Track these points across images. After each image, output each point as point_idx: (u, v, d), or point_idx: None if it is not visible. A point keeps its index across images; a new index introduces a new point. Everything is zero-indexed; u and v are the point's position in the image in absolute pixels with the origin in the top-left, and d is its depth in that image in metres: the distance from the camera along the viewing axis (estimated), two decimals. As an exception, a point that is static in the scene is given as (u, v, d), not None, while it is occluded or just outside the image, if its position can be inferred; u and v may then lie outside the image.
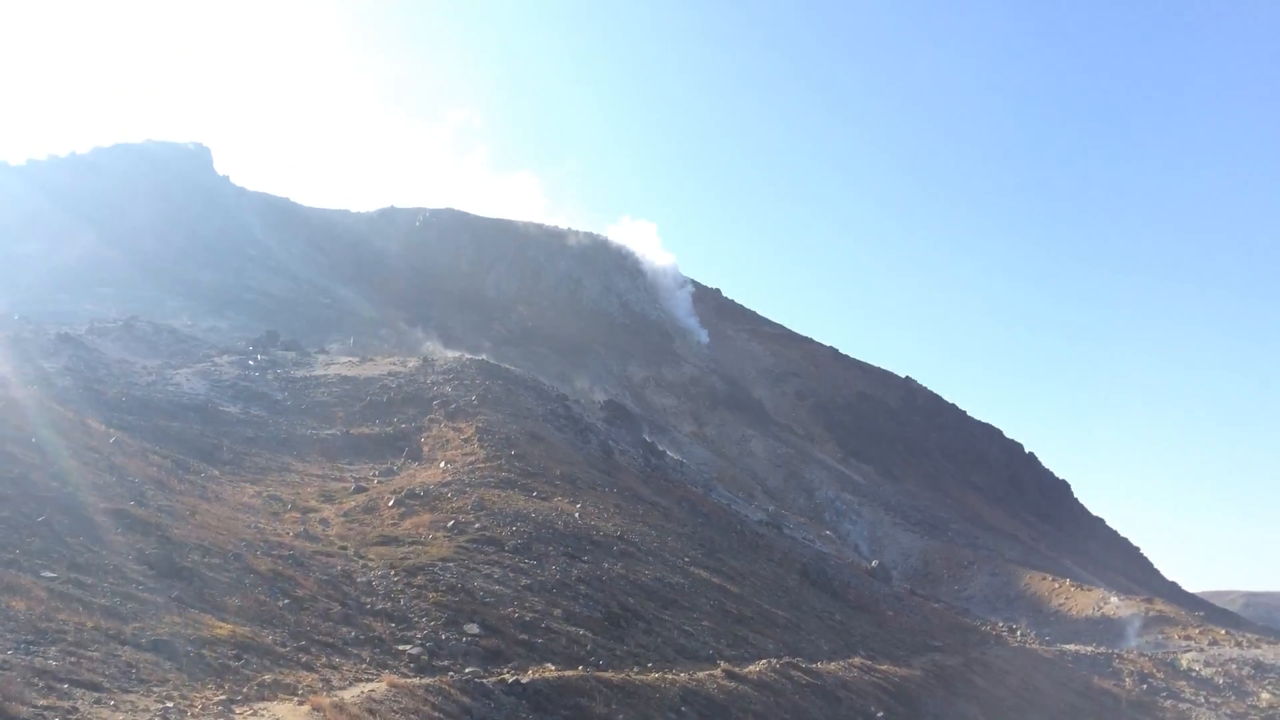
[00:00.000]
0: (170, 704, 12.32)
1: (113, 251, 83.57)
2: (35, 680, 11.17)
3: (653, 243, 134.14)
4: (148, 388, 41.28)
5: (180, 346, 53.92)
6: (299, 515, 28.98)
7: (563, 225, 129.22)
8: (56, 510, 20.18)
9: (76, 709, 10.62)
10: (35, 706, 10.09)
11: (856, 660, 31.92)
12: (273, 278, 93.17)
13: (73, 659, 12.68)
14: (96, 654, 13.30)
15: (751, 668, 26.20)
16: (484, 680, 18.79)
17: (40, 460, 23.41)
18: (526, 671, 20.59)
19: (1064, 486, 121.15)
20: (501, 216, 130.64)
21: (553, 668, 21.41)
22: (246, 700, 13.89)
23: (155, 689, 12.95)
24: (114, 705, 11.38)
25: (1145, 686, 44.89)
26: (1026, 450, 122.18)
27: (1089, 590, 67.69)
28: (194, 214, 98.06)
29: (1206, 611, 73.74)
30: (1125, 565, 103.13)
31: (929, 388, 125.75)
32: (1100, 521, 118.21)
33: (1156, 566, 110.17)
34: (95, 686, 11.92)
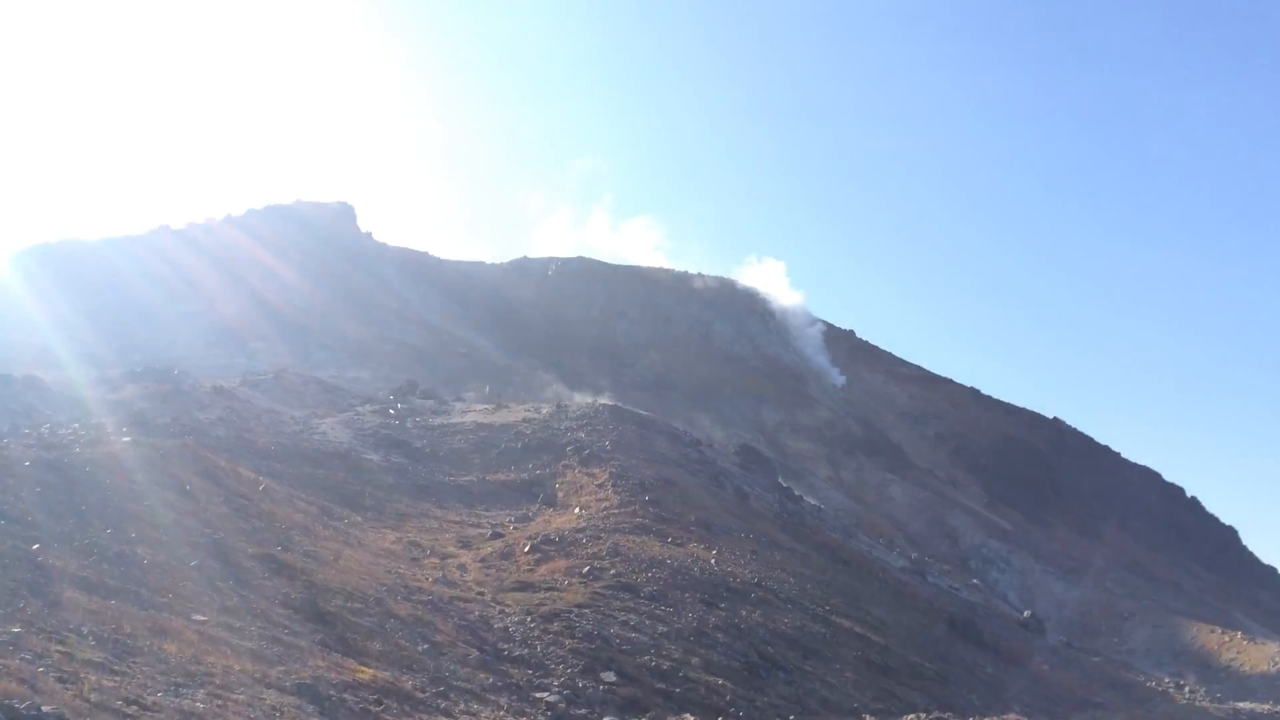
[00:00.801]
0: (312, 749, 12.33)
1: (264, 308, 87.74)
2: (183, 723, 11.33)
3: (781, 282, 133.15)
4: (295, 436, 42.72)
5: (326, 396, 55.86)
6: (438, 561, 29.28)
7: (690, 270, 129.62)
8: (208, 555, 20.82)
9: (221, 752, 10.70)
10: (182, 750, 10.20)
11: (1011, 717, 30.16)
12: (412, 329, 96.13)
13: (219, 702, 12.84)
14: (242, 697, 13.46)
15: (899, 722, 25.02)
16: (622, 730, 18.37)
17: (194, 507, 24.30)
18: (665, 722, 20.09)
19: (1231, 532, 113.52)
20: (631, 263, 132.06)
21: (691, 718, 20.83)
22: (386, 746, 13.83)
23: (298, 733, 13.00)
24: (257, 749, 11.43)
25: (1334, 750, 41.23)
26: (1189, 494, 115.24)
27: (1263, 644, 62.82)
28: (339, 270, 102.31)
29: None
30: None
31: (1079, 429, 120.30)
32: (1272, 570, 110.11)
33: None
34: (240, 730, 12.02)
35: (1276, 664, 58.44)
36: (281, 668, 15.75)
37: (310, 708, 14.52)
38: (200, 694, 12.95)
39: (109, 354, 64.91)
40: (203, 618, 16.83)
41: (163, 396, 45.45)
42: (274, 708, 13.70)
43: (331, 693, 15.55)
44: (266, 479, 31.68)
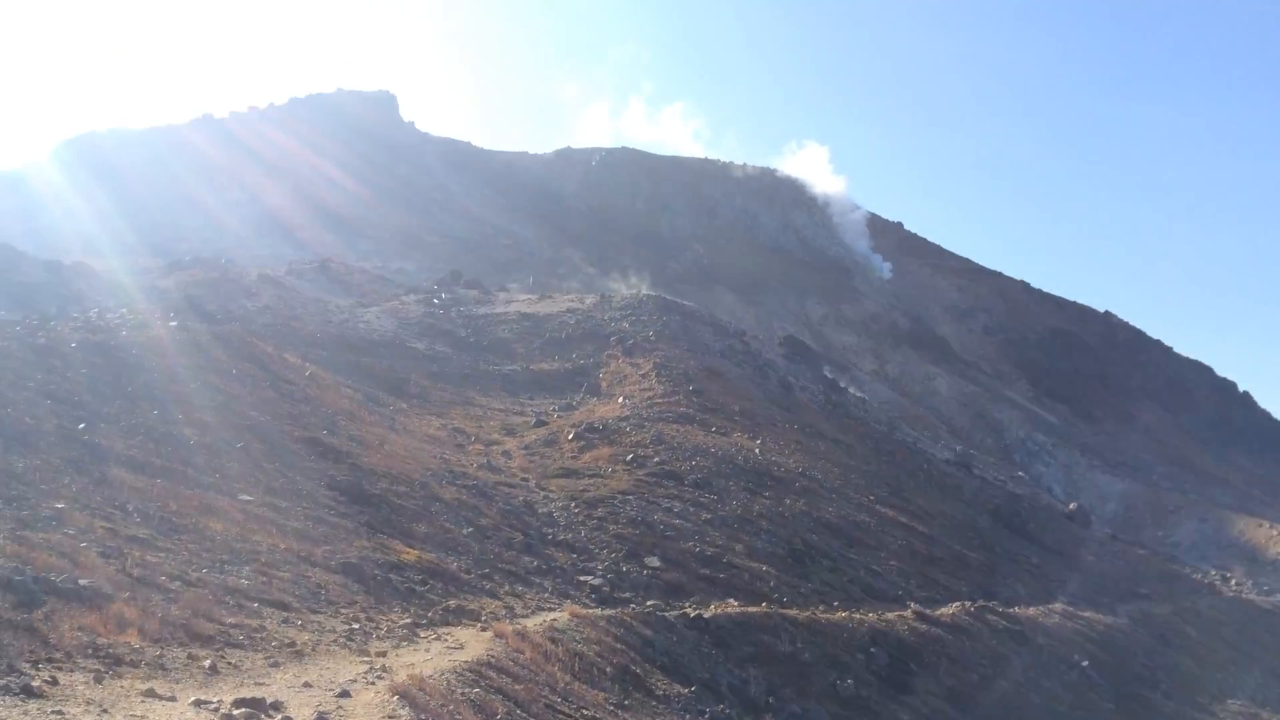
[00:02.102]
0: (356, 625, 12.32)
1: (308, 198, 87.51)
2: (226, 599, 11.29)
3: (824, 168, 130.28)
4: (341, 324, 42.79)
5: (371, 286, 55.83)
6: (482, 447, 29.34)
7: (730, 159, 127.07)
8: (255, 437, 20.89)
9: (264, 627, 10.64)
10: (223, 624, 10.14)
11: (1057, 606, 30.05)
12: (455, 220, 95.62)
13: (264, 579, 12.84)
14: (287, 575, 13.47)
15: (944, 610, 24.94)
16: (666, 614, 18.38)
17: (240, 391, 24.36)
18: (709, 606, 20.09)
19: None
20: (674, 154, 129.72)
21: (735, 604, 20.83)
22: (431, 624, 13.84)
23: (343, 610, 13.01)
24: (301, 625, 11.40)
25: (1383, 645, 40.81)
26: (1241, 389, 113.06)
27: (1314, 540, 62.15)
28: (381, 160, 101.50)
29: None
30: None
31: (1131, 323, 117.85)
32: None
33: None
34: (284, 606, 12.00)
35: (1326, 559, 57.85)
36: (327, 547, 15.80)
37: (355, 586, 14.56)
38: (245, 571, 12.96)
39: (156, 243, 65.23)
40: (249, 498, 16.88)
41: (210, 284, 45.60)
42: (319, 585, 13.72)
43: (377, 572, 15.60)
44: (312, 366, 31.75)
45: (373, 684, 8.99)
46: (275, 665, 9.32)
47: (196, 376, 23.84)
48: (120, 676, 7.50)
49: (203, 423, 20.27)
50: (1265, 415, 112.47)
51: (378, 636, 12.16)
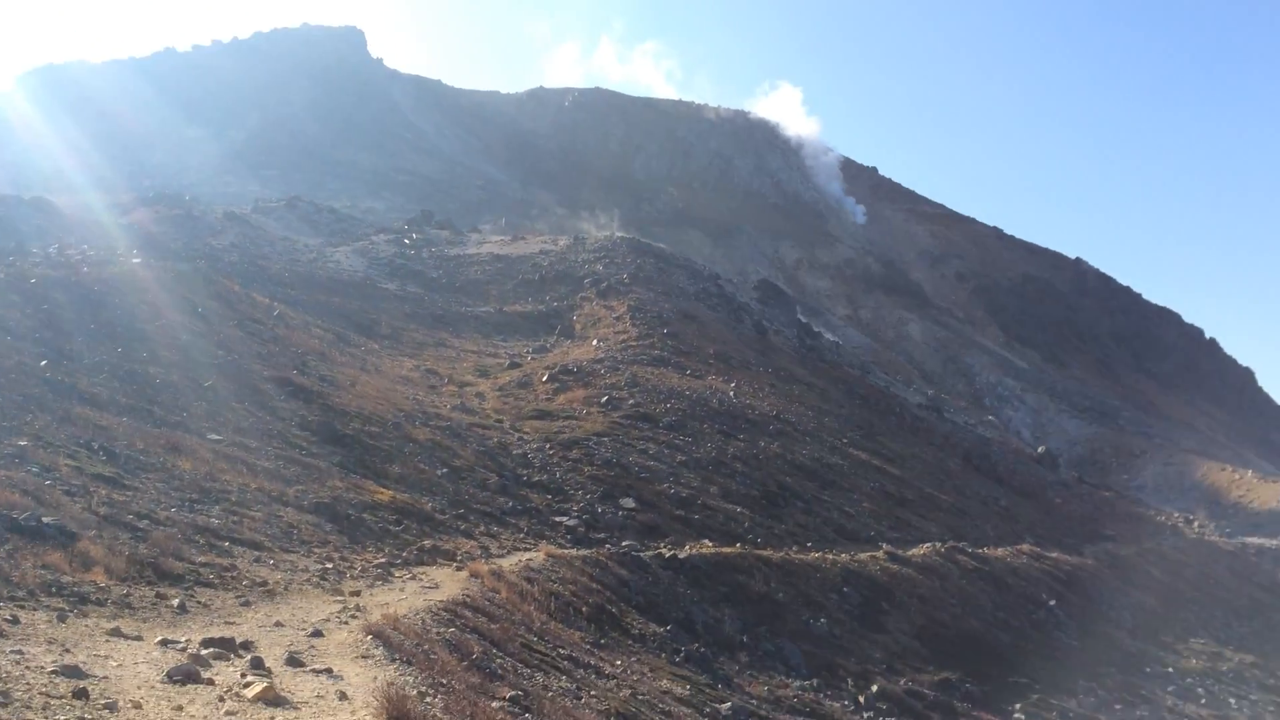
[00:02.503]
0: (330, 565, 12.11)
1: (274, 134, 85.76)
2: (196, 538, 11.04)
3: (797, 110, 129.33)
4: (309, 264, 42.12)
5: (339, 225, 54.96)
6: (455, 389, 29.06)
7: (703, 100, 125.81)
8: (223, 376, 20.49)
9: (235, 566, 10.41)
10: (193, 563, 9.88)
11: (1025, 547, 30.40)
12: (426, 159, 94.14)
13: (235, 518, 12.59)
14: (259, 514, 13.22)
15: (915, 551, 25.12)
16: (641, 554, 18.33)
17: (206, 330, 23.88)
18: (684, 547, 20.08)
19: (1248, 374, 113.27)
20: (648, 95, 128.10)
21: (710, 544, 20.84)
22: (406, 564, 13.67)
23: (316, 550, 12.80)
24: (273, 564, 11.17)
25: (1339, 585, 41.76)
26: (1207, 336, 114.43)
27: (1274, 482, 63.35)
28: (350, 97, 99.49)
29: None
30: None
31: (1101, 269, 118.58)
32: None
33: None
34: (256, 545, 11.77)
35: (1286, 502, 58.99)
36: (299, 487, 15.55)
37: (329, 525, 14.35)
38: (215, 510, 12.70)
39: (118, 178, 63.73)
40: (217, 437, 16.56)
41: (174, 221, 44.68)
42: (291, 525, 13.49)
43: (350, 512, 15.38)
44: (281, 305, 31.22)
45: (346, 624, 8.80)
46: (246, 604, 9.10)
47: (161, 315, 23.32)
48: (85, 615, 7.26)
49: (169, 361, 19.84)
50: (1230, 361, 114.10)
51: (351, 576, 11.97)
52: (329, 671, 6.88)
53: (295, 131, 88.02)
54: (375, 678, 6.76)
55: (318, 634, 8.19)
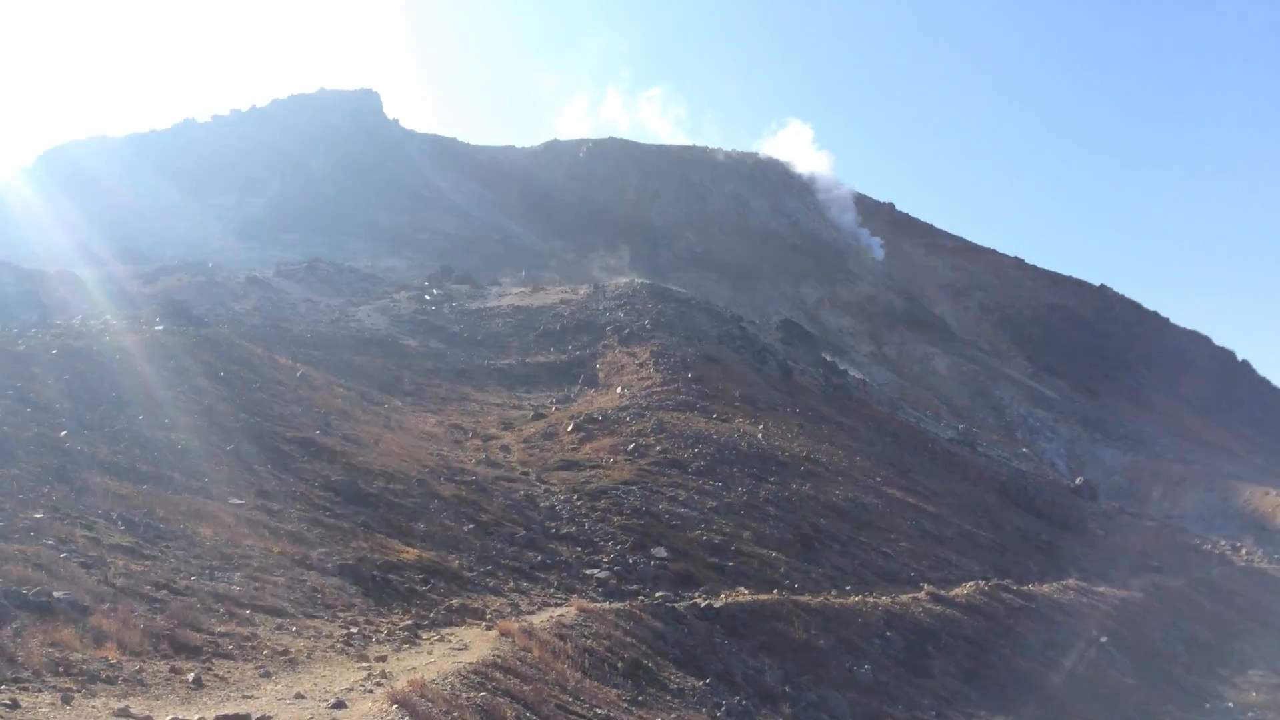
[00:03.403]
0: (355, 629, 11.71)
1: (295, 199, 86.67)
2: (216, 606, 10.68)
3: (807, 147, 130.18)
4: (331, 324, 42.14)
5: (361, 285, 55.16)
6: (480, 442, 28.72)
7: (713, 144, 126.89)
8: (245, 439, 20.24)
9: (255, 635, 10.03)
10: (212, 633, 9.52)
11: (1071, 582, 29.54)
12: (445, 216, 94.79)
13: (256, 585, 12.23)
14: (281, 579, 12.86)
15: (958, 590, 24.40)
16: (676, 604, 17.79)
17: (229, 393, 23.70)
18: (719, 595, 19.50)
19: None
20: (661, 142, 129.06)
21: (746, 591, 20.24)
22: (433, 625, 13.25)
23: (340, 614, 12.41)
24: (296, 631, 10.78)
25: (1397, 608, 40.39)
26: (1240, 358, 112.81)
27: (1320, 506, 61.80)
28: (368, 158, 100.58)
29: None
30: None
31: (1127, 296, 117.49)
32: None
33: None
34: (278, 612, 11.39)
35: (1333, 525, 57.49)
36: (323, 549, 15.18)
37: (354, 589, 13.95)
38: (236, 577, 12.35)
39: (140, 251, 64.40)
40: (240, 501, 16.25)
41: (197, 288, 44.90)
42: (315, 589, 13.11)
43: (375, 573, 14.99)
44: (303, 366, 31.10)
45: (370, 692, 8.38)
46: (266, 675, 8.70)
47: (183, 380, 23.20)
48: (93, 695, 6.89)
49: (190, 427, 19.62)
50: (1264, 383, 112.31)
51: (377, 640, 11.56)
52: (350, 747, 6.47)
53: (315, 195, 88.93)
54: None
55: (340, 705, 7.78)
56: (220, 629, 9.89)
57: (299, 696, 8.00)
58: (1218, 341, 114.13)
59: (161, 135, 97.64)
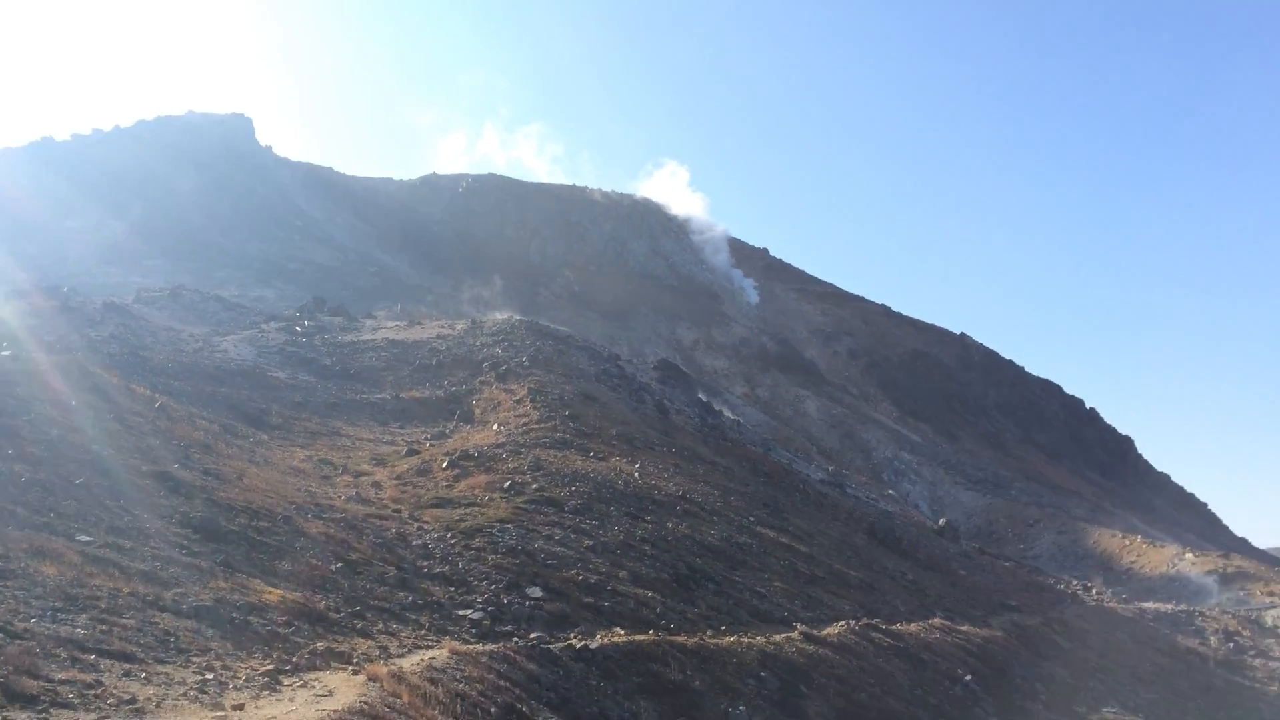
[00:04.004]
0: (210, 675, 11.04)
1: (159, 224, 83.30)
2: (58, 651, 9.92)
3: (683, 188, 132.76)
4: (195, 354, 40.45)
5: (227, 314, 53.22)
6: (350, 479, 27.83)
7: (589, 183, 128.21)
8: (95, 473, 19.09)
9: (101, 682, 9.34)
10: (51, 680, 8.82)
11: (936, 621, 30.27)
12: (318, 247, 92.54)
13: (104, 627, 11.44)
14: (131, 622, 12.06)
15: (830, 630, 24.69)
16: (551, 646, 17.46)
17: (80, 424, 22.37)
18: (595, 636, 19.23)
19: (1127, 442, 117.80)
20: (541, 180, 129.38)
21: (622, 632, 20.03)
22: (296, 670, 12.61)
23: (195, 659, 11.69)
24: (145, 678, 10.09)
25: (1232, 645, 42.83)
26: (1088, 406, 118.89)
27: (1161, 547, 65.31)
28: (238, 185, 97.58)
29: (1286, 567, 70.76)
30: (1193, 522, 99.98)
31: (985, 344, 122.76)
32: (1166, 477, 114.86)
33: (1225, 522, 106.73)
34: (127, 657, 10.65)
35: (1174, 566, 60.76)
36: (178, 590, 14.35)
37: (210, 631, 13.19)
38: (82, 619, 11.52)
39: (-12, 271, 60.70)
40: (88, 538, 15.26)
41: (49, 313, 42.49)
42: (168, 632, 12.34)
43: (235, 615, 14.23)
44: (163, 396, 29.66)
45: (228, 743, 7.87)
46: (111, 727, 8.10)
47: (30, 409, 21.78)
48: (-88, 753, 6.26)
49: (36, 458, 18.40)
50: (1110, 430, 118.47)
51: (234, 687, 10.92)
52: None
53: (181, 220, 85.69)
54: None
55: (194, 757, 7.26)
56: (61, 676, 9.18)
57: (147, 749, 7.45)
58: (1068, 390, 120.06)
59: (16, 152, 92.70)
